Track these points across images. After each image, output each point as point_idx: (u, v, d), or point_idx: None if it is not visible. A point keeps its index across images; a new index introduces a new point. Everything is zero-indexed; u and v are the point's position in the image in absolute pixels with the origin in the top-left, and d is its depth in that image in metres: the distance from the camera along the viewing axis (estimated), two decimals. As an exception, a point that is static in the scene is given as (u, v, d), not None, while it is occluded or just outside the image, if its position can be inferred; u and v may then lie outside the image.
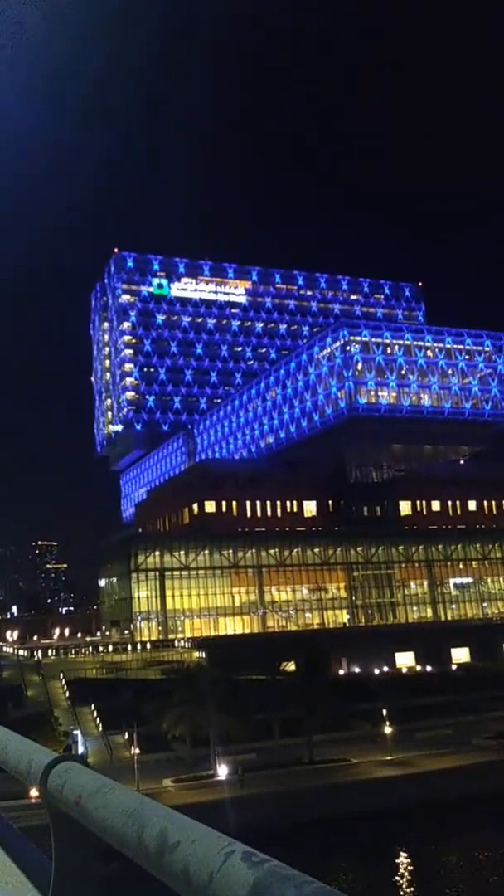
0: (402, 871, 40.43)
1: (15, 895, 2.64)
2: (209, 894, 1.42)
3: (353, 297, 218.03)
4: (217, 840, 1.53)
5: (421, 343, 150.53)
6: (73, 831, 2.19)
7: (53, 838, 2.28)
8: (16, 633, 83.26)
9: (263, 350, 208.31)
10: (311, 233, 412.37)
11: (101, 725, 57.74)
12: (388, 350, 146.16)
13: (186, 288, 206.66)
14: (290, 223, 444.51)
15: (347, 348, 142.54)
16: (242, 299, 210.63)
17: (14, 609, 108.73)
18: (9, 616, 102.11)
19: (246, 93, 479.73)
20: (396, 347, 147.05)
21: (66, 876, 2.24)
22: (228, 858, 1.43)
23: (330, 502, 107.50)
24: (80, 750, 49.99)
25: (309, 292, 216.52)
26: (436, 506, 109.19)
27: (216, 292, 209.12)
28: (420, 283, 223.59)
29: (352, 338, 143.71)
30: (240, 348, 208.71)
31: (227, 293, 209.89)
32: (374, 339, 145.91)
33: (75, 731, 53.23)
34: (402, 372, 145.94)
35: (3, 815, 3.81)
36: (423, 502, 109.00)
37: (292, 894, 1.27)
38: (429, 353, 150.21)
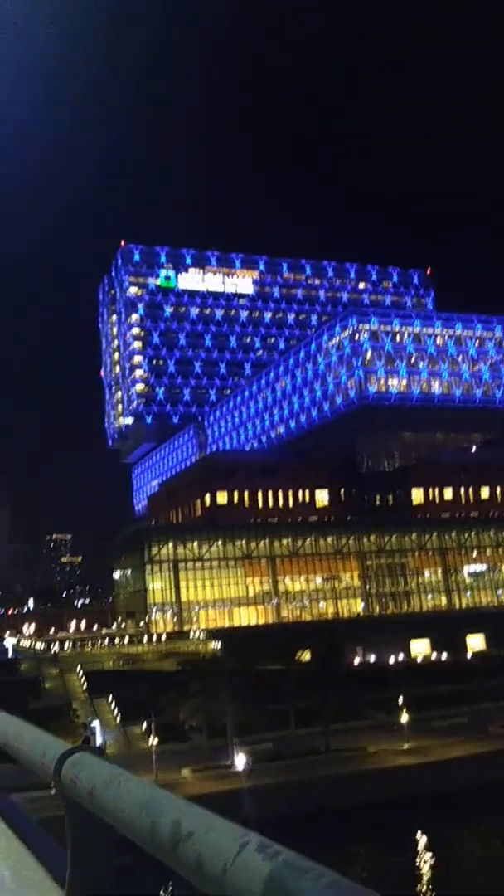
0: (418, 858, 40.63)
1: (32, 886, 2.65)
2: (223, 885, 1.40)
3: (362, 285, 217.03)
4: (232, 830, 1.50)
5: (430, 330, 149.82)
6: (87, 822, 2.19)
7: (68, 829, 2.29)
8: (32, 627, 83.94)
9: (272, 340, 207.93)
10: (311, 232, 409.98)
11: (118, 717, 58.25)
12: (398, 338, 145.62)
13: (194, 279, 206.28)
14: (291, 223, 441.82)
15: (356, 337, 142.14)
16: (250, 290, 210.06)
17: (30, 603, 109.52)
18: (25, 610, 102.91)
19: (246, 93, 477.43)
20: (406, 335, 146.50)
21: (82, 866, 2.25)
22: (243, 849, 1.40)
23: (342, 492, 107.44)
24: (99, 741, 50.48)
25: (317, 281, 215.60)
26: (448, 494, 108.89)
27: (224, 283, 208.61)
28: (428, 270, 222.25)
29: (360, 326, 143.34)
30: (248, 339, 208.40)
31: (234, 284, 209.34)
32: (382, 327, 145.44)
33: (93, 723, 53.73)
34: (412, 360, 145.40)
35: (20, 806, 3.86)
36: (436, 490, 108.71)
37: (308, 886, 1.24)
38: (438, 340, 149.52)
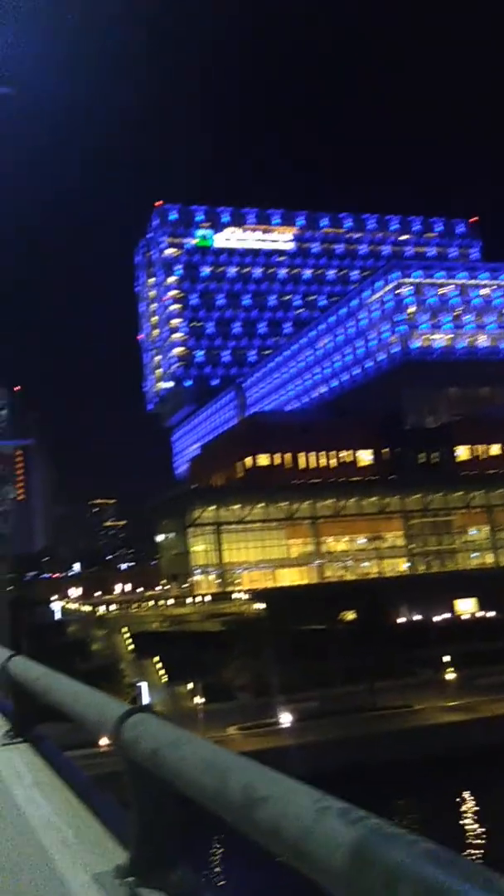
0: (463, 814, 40.60)
1: (94, 844, 2.65)
2: (303, 852, 1.32)
3: (404, 237, 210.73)
4: (308, 795, 1.42)
5: (476, 281, 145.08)
6: (149, 782, 2.14)
7: (130, 789, 2.23)
8: (79, 590, 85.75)
9: (312, 297, 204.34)
10: (351, 194, 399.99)
11: (165, 677, 59.22)
12: (442, 290, 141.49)
13: (231, 237, 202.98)
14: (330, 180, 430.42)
15: (399, 291, 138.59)
16: (289, 246, 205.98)
17: (76, 566, 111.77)
18: (71, 573, 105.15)
19: (246, 92, 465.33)
20: (450, 287, 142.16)
21: (145, 827, 2.20)
22: (323, 815, 1.33)
23: (385, 450, 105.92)
24: (145, 701, 51.41)
25: (358, 235, 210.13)
26: (495, 449, 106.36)
27: (263, 240, 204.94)
28: (473, 219, 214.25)
29: (403, 280, 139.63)
30: (288, 296, 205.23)
31: (273, 240, 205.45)
32: (426, 280, 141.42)
33: (140, 683, 54.71)
34: (457, 313, 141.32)
35: (75, 764, 3.86)
36: (482, 447, 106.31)
37: (400, 856, 1.13)
38: (484, 291, 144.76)
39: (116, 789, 2.43)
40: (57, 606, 76.69)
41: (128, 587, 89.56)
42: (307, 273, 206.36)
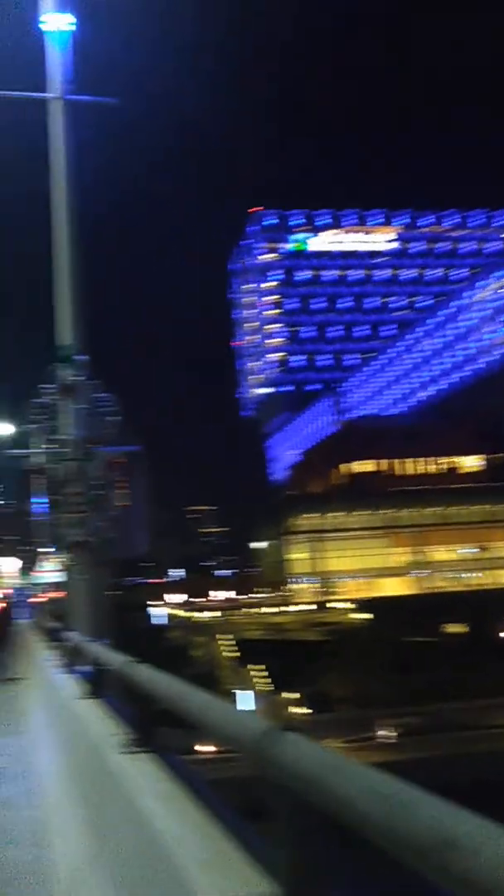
0: None
1: (226, 865, 2.43)
2: None
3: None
4: None
5: None
6: (302, 806, 1.98)
7: (280, 813, 2.08)
8: (178, 596, 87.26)
9: (414, 298, 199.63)
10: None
11: (264, 685, 59.02)
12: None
13: (330, 240, 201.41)
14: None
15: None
16: (389, 246, 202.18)
17: (175, 572, 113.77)
18: (170, 579, 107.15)
19: (244, 93, 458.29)
20: None
21: (297, 853, 2.01)
22: None
23: (492, 455, 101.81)
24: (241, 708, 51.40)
25: (462, 233, 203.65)
26: None
27: (362, 242, 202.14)
28: None
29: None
30: (388, 298, 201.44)
31: (373, 241, 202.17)
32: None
33: (240, 691, 54.75)
34: None
35: (201, 776, 3.66)
36: None
37: None
38: None
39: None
40: (158, 611, 78.24)
41: (225, 594, 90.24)
42: (408, 274, 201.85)
